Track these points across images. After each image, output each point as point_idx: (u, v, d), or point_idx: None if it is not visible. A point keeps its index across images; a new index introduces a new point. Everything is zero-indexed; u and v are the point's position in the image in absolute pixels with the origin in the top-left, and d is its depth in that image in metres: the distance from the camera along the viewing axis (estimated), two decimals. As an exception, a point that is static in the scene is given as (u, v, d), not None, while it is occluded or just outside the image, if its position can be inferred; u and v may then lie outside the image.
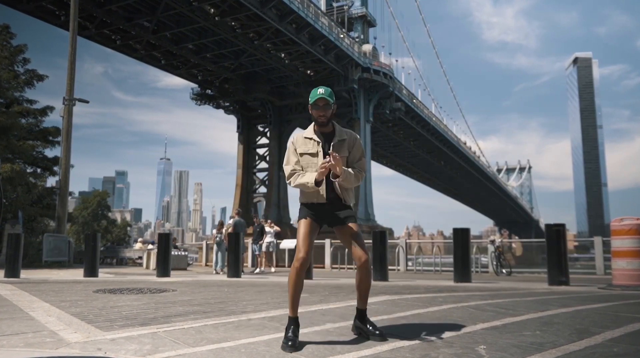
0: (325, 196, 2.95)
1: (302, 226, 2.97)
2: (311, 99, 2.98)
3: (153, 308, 4.37)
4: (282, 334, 2.99)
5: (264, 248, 14.49)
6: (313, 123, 3.06)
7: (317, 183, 2.88)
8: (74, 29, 19.66)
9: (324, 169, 2.82)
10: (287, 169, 3.02)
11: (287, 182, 3.03)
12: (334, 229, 3.03)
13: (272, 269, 14.77)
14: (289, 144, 3.11)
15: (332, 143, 2.97)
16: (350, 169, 2.93)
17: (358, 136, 3.13)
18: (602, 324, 3.41)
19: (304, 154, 3.00)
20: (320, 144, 3.00)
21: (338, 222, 3.00)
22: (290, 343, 2.68)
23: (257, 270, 14.03)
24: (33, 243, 19.80)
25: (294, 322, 2.85)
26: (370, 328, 2.93)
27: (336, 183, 2.89)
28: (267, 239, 14.60)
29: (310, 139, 3.02)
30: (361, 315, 3.03)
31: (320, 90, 2.99)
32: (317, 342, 2.79)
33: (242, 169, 52.86)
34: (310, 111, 3.02)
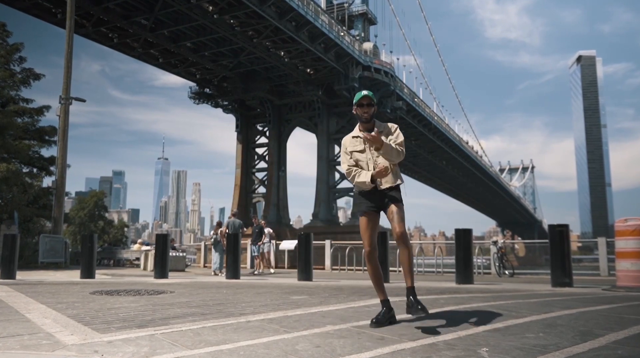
0: (383, 181, 3.49)
1: (361, 223, 3.54)
2: (355, 100, 3.53)
3: (151, 310, 4.37)
4: (282, 336, 3.00)
5: (262, 249, 14.50)
6: (358, 124, 3.61)
7: (373, 180, 3.43)
8: (71, 27, 19.66)
9: (370, 138, 3.34)
10: (343, 168, 3.62)
11: (348, 180, 3.71)
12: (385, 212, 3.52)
13: (272, 270, 14.78)
14: (342, 145, 3.70)
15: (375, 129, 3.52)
16: (390, 143, 3.43)
17: (397, 125, 3.64)
18: (606, 326, 3.41)
19: (353, 152, 3.57)
20: (363, 140, 3.51)
21: (384, 206, 3.49)
22: (374, 321, 3.38)
23: (257, 271, 14.04)
24: (29, 244, 19.80)
25: (383, 304, 3.52)
26: (414, 304, 3.23)
27: (379, 179, 3.45)
28: (265, 240, 14.63)
29: (357, 137, 3.58)
30: (409, 292, 3.33)
31: (364, 92, 3.56)
32: (317, 344, 2.79)
33: (241, 169, 52.83)
34: (354, 112, 3.56)
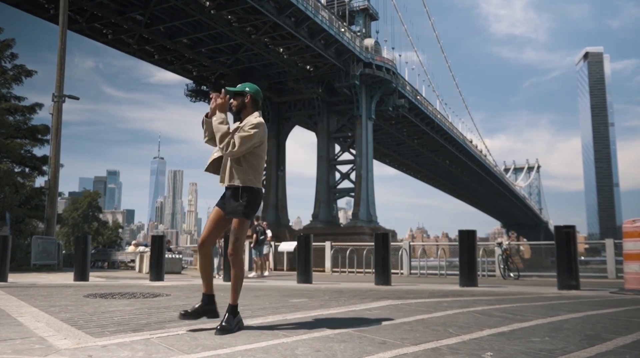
0: (220, 177, 3.47)
1: (211, 213, 3.54)
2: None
3: (146, 314, 4.37)
4: (280, 341, 3.00)
5: (265, 251, 14.49)
6: None
7: (208, 115, 3.45)
8: (64, 22, 19.65)
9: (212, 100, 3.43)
10: None
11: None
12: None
13: (266, 273, 14.73)
14: None
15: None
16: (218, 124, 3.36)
17: (257, 122, 3.40)
18: (614, 330, 3.41)
19: None
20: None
21: (227, 213, 3.43)
22: (182, 312, 3.41)
23: (257, 274, 14.03)
24: (21, 246, 19.81)
25: (202, 297, 3.50)
26: (223, 321, 3.26)
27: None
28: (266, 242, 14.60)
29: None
30: (227, 309, 3.34)
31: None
32: (316, 348, 2.79)
33: (239, 168, 52.80)
34: None
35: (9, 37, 23.87)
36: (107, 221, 59.97)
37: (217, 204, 3.50)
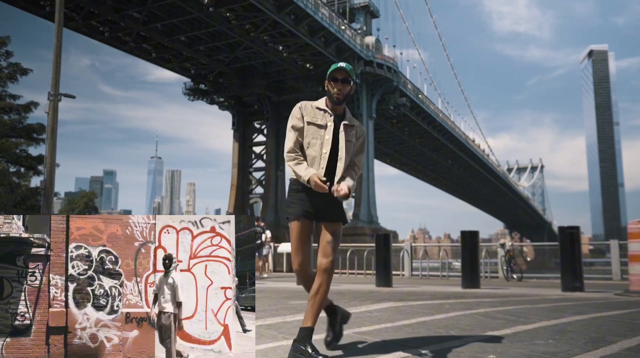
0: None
1: (293, 231, 2.79)
2: (329, 72, 2.78)
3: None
4: (280, 343, 3.01)
5: (264, 252, 14.49)
6: (325, 98, 2.86)
7: (309, 180, 2.65)
8: (60, 20, 19.62)
9: (320, 185, 2.61)
10: (287, 145, 2.80)
11: (285, 158, 2.81)
12: (318, 223, 2.81)
13: (265, 274, 14.73)
14: (296, 110, 2.84)
15: (342, 125, 2.80)
16: (349, 178, 2.80)
17: (365, 130, 2.99)
18: (619, 332, 3.41)
19: (311, 124, 2.78)
20: (332, 117, 2.80)
21: (327, 218, 2.78)
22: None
23: (257, 275, 14.02)
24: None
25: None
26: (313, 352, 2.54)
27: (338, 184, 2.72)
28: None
29: (321, 110, 2.82)
30: (309, 335, 2.66)
31: (342, 64, 2.78)
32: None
33: (238, 168, 52.83)
34: (326, 86, 2.81)
35: (3, 35, 23.89)
36: (104, 222, 59.90)
37: (301, 215, 2.76)
